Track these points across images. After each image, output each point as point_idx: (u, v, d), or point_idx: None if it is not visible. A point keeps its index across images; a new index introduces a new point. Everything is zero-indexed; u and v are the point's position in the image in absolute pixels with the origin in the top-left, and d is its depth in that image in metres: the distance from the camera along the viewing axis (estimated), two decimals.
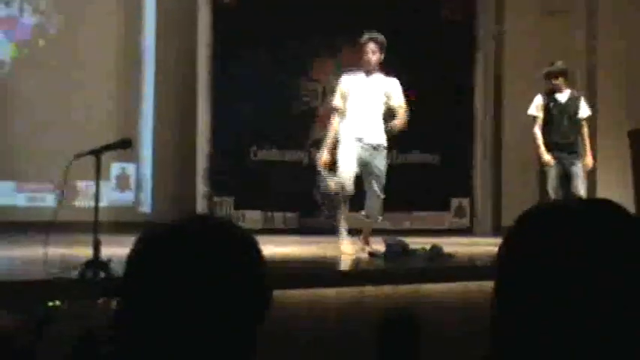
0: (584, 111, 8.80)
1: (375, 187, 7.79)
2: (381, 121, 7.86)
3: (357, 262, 7.47)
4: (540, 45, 10.52)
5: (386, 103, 7.88)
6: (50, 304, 5.00)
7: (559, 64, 8.80)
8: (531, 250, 1.08)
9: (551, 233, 1.08)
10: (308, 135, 9.85)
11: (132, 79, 10.28)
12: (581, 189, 8.57)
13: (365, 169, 7.79)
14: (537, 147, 8.70)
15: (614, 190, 9.41)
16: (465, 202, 10.88)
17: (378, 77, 7.87)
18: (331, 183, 7.65)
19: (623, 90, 10.16)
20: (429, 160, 10.67)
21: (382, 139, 7.85)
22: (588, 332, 1.02)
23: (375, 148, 7.81)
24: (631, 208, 9.22)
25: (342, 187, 7.64)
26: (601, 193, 10.12)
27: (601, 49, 10.41)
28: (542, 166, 8.83)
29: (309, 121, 9.80)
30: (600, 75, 10.35)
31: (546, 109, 8.73)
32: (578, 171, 8.62)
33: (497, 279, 1.10)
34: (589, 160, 8.70)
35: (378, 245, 7.71)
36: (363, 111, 7.79)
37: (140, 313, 1.27)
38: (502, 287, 1.10)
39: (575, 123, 8.73)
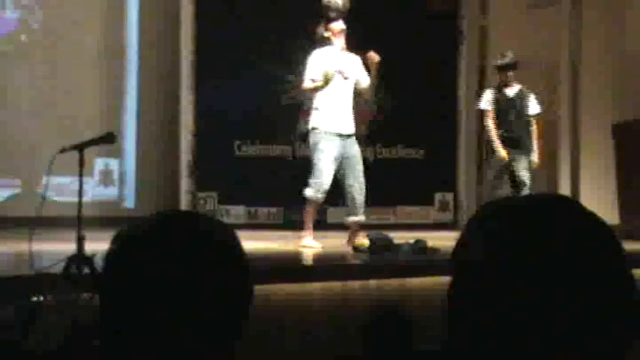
0: (533, 108, 8.74)
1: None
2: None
3: (342, 256, 7.48)
4: (525, 38, 10.54)
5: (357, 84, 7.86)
6: (34, 299, 4.99)
7: (509, 56, 8.72)
8: (483, 248, 1.08)
9: (501, 231, 1.08)
10: (292, 129, 9.83)
11: (115, 73, 10.23)
12: (521, 185, 8.50)
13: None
14: (492, 141, 8.65)
15: (597, 184, 9.43)
16: (449, 196, 10.90)
17: (349, 55, 7.83)
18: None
19: (607, 84, 10.18)
20: (413, 155, 10.68)
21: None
22: (539, 328, 1.02)
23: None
24: (614, 202, 9.26)
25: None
26: (584, 187, 10.14)
27: (585, 43, 10.42)
28: (487, 157, 8.85)
29: (293, 116, 9.78)
30: (584, 69, 10.37)
31: (497, 102, 8.69)
32: (521, 166, 8.54)
33: (453, 277, 1.11)
34: (536, 157, 8.64)
35: (363, 240, 7.71)
36: (340, 96, 7.74)
37: (121, 309, 1.27)
38: (457, 285, 1.10)
39: (523, 119, 8.67)
